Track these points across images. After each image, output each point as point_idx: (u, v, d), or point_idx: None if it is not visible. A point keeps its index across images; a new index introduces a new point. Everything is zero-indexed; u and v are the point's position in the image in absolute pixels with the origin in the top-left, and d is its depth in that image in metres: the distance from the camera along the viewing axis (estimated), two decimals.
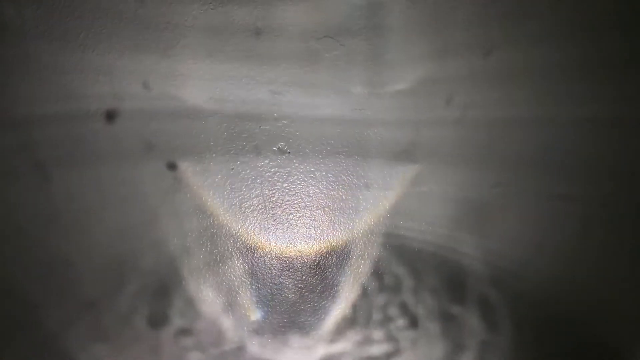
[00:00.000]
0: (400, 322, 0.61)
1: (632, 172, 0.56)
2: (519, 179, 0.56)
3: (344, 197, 0.54)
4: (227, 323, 0.60)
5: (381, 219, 0.56)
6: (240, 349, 0.57)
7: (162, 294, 0.59)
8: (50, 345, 0.61)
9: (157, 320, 0.60)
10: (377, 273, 0.58)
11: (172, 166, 0.53)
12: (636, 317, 0.62)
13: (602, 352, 0.64)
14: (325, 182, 0.54)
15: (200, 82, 0.53)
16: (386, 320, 0.61)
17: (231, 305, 0.59)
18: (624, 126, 0.55)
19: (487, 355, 0.63)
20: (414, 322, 0.61)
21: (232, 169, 0.53)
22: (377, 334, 0.61)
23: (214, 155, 0.53)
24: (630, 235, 0.57)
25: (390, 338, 0.62)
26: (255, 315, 0.59)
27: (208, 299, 0.59)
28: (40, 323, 0.60)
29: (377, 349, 0.62)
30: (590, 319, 0.62)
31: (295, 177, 0.53)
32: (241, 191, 0.53)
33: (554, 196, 0.55)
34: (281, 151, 0.53)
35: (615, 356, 0.63)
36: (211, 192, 0.54)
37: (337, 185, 0.54)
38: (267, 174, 0.53)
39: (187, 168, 0.53)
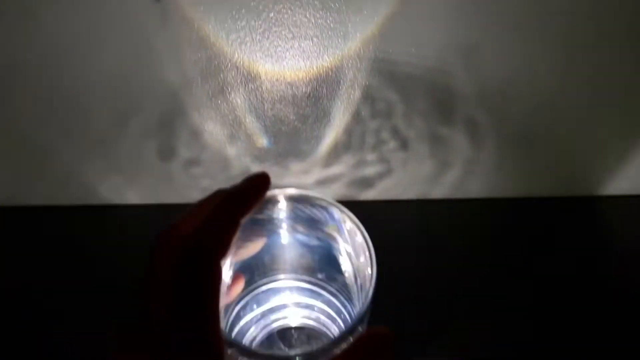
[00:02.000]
0: (392, 144, 0.64)
1: None
2: None
3: (332, 25, 0.53)
4: (231, 152, 0.65)
5: (371, 45, 0.55)
6: (245, 174, 0.62)
7: (167, 127, 0.62)
8: (71, 180, 0.67)
9: (166, 153, 0.64)
10: (369, 99, 0.60)
11: None
12: (614, 142, 0.65)
13: (576, 167, 0.68)
14: (312, 10, 0.52)
15: None
16: (378, 143, 0.64)
17: (232, 136, 0.63)
18: None
19: (471, 171, 0.68)
20: (404, 144, 0.65)
21: None
22: (370, 156, 0.66)
23: None
24: (618, 52, 0.57)
25: (382, 160, 0.66)
26: (255, 144, 0.63)
27: (209, 131, 0.62)
28: (57, 162, 0.65)
29: (370, 170, 0.67)
30: (570, 138, 0.65)
31: (282, 5, 0.51)
32: (226, 22, 0.52)
33: (544, 13, 0.53)
34: None
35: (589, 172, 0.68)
36: (195, 25, 0.53)
37: (324, 12, 0.52)
38: (252, 3, 0.51)
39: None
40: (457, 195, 0.71)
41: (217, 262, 0.26)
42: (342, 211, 0.33)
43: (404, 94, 0.60)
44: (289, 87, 0.58)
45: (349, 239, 0.34)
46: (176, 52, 0.55)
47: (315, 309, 0.41)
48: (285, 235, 0.38)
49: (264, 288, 0.40)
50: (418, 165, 0.67)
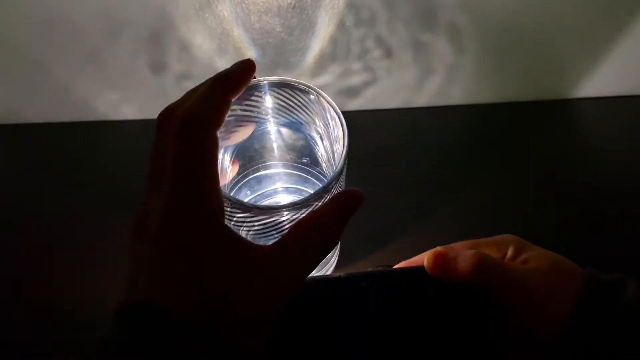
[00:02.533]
0: (376, 53, 0.66)
1: None
2: None
3: None
4: (220, 65, 0.66)
5: None
6: None
7: (157, 41, 0.63)
8: (67, 96, 0.69)
9: (158, 67, 0.66)
10: (352, 8, 0.61)
11: None
12: (591, 45, 0.67)
13: (554, 71, 0.71)
14: None
15: None
16: (363, 52, 0.66)
17: (221, 49, 0.64)
18: None
19: (453, 77, 0.70)
20: (388, 53, 0.66)
21: None
22: (356, 66, 0.68)
23: None
24: None
25: (367, 69, 0.68)
26: (243, 57, 0.65)
27: (198, 44, 0.64)
28: (52, 79, 0.67)
29: (355, 80, 0.70)
30: (548, 42, 0.67)
31: None
32: None
33: None
34: None
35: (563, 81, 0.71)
36: None
37: None
38: None
39: None
40: (440, 102, 0.74)
41: (212, 130, 0.29)
42: (316, 91, 0.36)
43: (387, 1, 0.61)
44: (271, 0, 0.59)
45: (322, 121, 0.37)
46: None
47: (304, 194, 0.45)
48: (271, 125, 0.41)
49: (255, 175, 0.44)
50: (402, 73, 0.69)
